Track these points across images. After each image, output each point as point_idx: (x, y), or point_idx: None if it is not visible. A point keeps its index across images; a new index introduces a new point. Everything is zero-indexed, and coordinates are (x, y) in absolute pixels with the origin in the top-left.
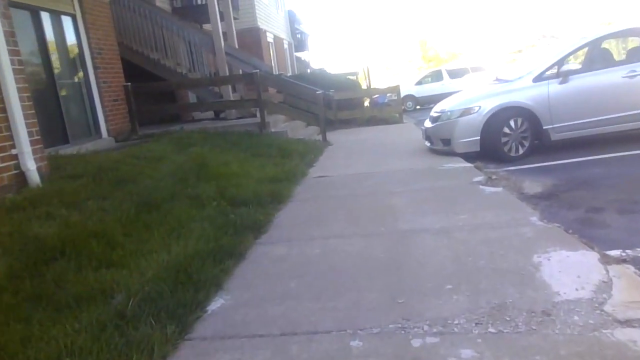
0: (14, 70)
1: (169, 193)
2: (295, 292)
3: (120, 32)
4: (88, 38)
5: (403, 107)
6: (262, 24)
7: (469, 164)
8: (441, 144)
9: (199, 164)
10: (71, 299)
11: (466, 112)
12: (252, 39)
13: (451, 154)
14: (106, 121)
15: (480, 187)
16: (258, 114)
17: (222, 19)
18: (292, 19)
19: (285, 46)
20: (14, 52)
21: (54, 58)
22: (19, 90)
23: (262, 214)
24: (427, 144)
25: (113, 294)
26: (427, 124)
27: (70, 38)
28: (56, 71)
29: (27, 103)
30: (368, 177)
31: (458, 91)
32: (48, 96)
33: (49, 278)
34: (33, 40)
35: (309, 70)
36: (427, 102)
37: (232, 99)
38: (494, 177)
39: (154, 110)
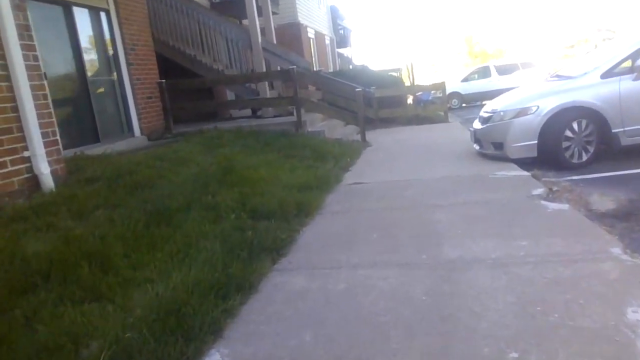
0: (28, 66)
1: (186, 201)
2: (310, 350)
3: (155, 27)
4: (122, 33)
5: (448, 105)
6: (302, 19)
7: (524, 172)
8: (492, 147)
9: (225, 167)
10: (33, 349)
11: (522, 112)
12: (292, 34)
13: (503, 159)
14: (139, 119)
15: (542, 202)
16: (295, 112)
17: (260, 14)
18: (334, 14)
19: (327, 42)
20: (28, 47)
21: (86, 54)
22: (33, 87)
23: (284, 231)
24: (476, 147)
25: (87, 341)
26: (477, 125)
27: (103, 33)
28: (88, 68)
29: (42, 102)
30: (409, 186)
31: (507, 89)
32: (78, 94)
33: (19, 314)
34: (64, 35)
35: (350, 67)
36: (473, 100)
37: (268, 96)
38: (555, 188)
39: (189, 108)
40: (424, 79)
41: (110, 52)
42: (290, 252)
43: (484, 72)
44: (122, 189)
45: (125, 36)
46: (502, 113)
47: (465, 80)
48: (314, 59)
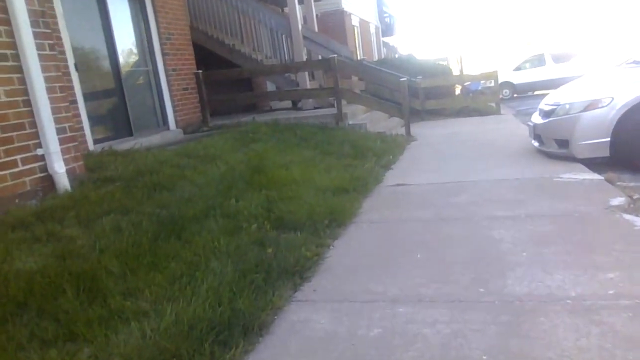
0: (42, 56)
1: (205, 207)
2: None
3: (193, 15)
4: (157, 22)
5: (500, 96)
6: (346, 6)
7: (596, 175)
8: (555, 145)
9: (254, 166)
10: None
11: (592, 105)
12: (336, 22)
13: (569, 159)
14: (174, 112)
15: (624, 216)
16: (335, 104)
17: (301, 1)
18: (379, 1)
19: (372, 30)
20: (44, 36)
21: (119, 44)
22: (48, 79)
23: (311, 246)
24: (535, 144)
25: None
26: (536, 119)
27: (137, 22)
28: (121, 58)
29: (59, 95)
30: (459, 190)
31: (565, 78)
32: (111, 86)
33: None
34: (97, 25)
35: (396, 56)
36: (526, 90)
37: (308, 87)
38: (636, 196)
39: (226, 100)
40: (473, 68)
41: (145, 41)
42: (316, 275)
43: (538, 60)
44: (140, 191)
45: (160, 25)
46: (567, 106)
47: (517, 69)
48: (357, 48)
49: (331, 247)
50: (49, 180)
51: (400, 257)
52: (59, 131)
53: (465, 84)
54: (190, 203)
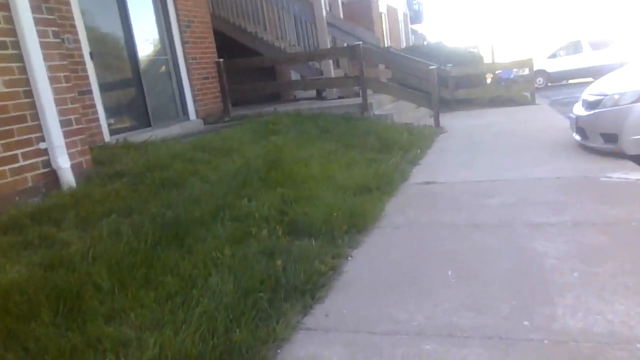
0: (44, 44)
1: (214, 208)
2: None
3: (215, 3)
4: (176, 10)
5: (535, 85)
6: None
7: None
8: (601, 140)
9: (272, 160)
10: None
11: None
12: (362, 9)
13: (617, 155)
14: (194, 102)
15: None
16: (360, 94)
17: None
18: None
19: (400, 17)
20: (47, 22)
21: (137, 32)
22: (52, 68)
23: (327, 258)
24: (577, 137)
25: None
26: (579, 110)
27: (156, 10)
28: (138, 47)
29: (64, 85)
30: (494, 190)
31: (604, 66)
32: (128, 75)
33: None
34: (114, 12)
35: (425, 43)
36: (562, 78)
37: (333, 76)
38: None
39: (248, 89)
40: (504, 56)
41: (164, 29)
42: (330, 295)
43: (574, 47)
44: (147, 188)
45: (180, 12)
46: (617, 96)
47: (552, 56)
48: (385, 35)
49: (349, 257)
50: (52, 176)
51: (428, 273)
52: (64, 123)
53: (497, 72)
54: (198, 203)
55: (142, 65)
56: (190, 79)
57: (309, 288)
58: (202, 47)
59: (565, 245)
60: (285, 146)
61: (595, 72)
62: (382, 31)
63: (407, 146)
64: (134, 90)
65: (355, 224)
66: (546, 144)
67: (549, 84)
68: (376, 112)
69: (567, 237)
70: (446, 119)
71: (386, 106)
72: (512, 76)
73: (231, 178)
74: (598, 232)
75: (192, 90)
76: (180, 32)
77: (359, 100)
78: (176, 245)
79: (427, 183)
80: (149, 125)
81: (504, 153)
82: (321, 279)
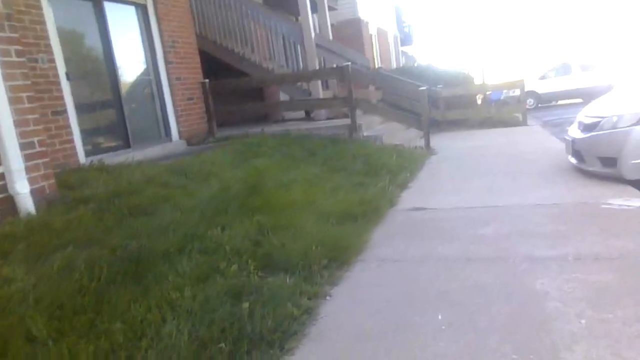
0: (5, 63)
1: (182, 239)
2: None
3: (201, 23)
4: (160, 30)
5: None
6: (363, 15)
7: None
8: (599, 163)
9: (252, 185)
10: None
11: None
12: (352, 31)
13: (616, 180)
14: (178, 122)
15: None
16: (349, 115)
17: (315, 10)
18: (398, 10)
19: (390, 39)
20: (8, 40)
21: (117, 52)
22: (13, 89)
23: (302, 299)
24: (573, 161)
25: None
26: (575, 132)
27: (139, 30)
28: (119, 67)
29: (27, 105)
30: (489, 217)
31: (593, 87)
32: (106, 96)
33: None
34: (93, 32)
35: (415, 64)
36: (551, 100)
37: (321, 97)
38: None
39: (234, 110)
40: (494, 78)
41: (147, 49)
42: (302, 345)
43: (563, 69)
44: (113, 216)
45: (164, 33)
46: (615, 118)
47: (542, 77)
48: (375, 57)
49: (328, 297)
50: (9, 202)
51: (416, 318)
52: (25, 146)
53: (487, 93)
54: (166, 232)
55: (122, 86)
56: (174, 100)
57: (278, 337)
58: (187, 67)
59: (568, 285)
60: (268, 169)
61: (584, 94)
62: (373, 53)
63: (396, 169)
64: (113, 110)
65: (336, 257)
66: (541, 167)
67: (540, 105)
68: (365, 134)
69: (570, 274)
70: (437, 140)
71: (376, 127)
72: (502, 97)
73: (206, 204)
74: (604, 268)
75: (176, 111)
76: (164, 52)
77: (347, 121)
78: (133, 283)
79: (417, 209)
80: (129, 146)
81: (497, 176)
82: (293, 325)
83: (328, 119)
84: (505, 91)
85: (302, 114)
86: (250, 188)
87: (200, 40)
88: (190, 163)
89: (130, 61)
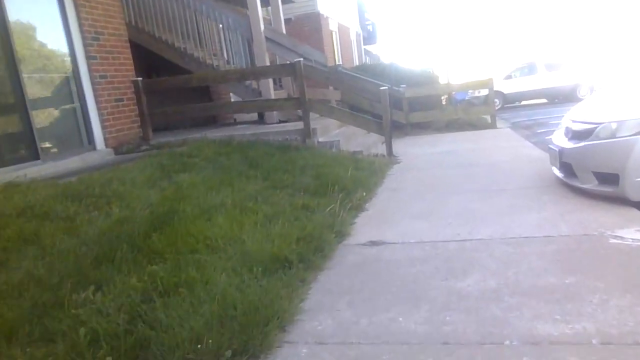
0: None
1: (26, 312)
2: None
3: (137, 14)
4: (78, 19)
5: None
6: (323, 10)
7: None
8: (595, 180)
9: (162, 214)
10: None
11: None
12: (311, 26)
13: (617, 200)
14: (103, 128)
15: None
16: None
17: (267, 3)
18: (361, 7)
19: (352, 37)
20: None
21: (20, 45)
22: None
23: None
24: (560, 174)
25: None
26: (561, 141)
27: (51, 17)
28: (22, 64)
29: None
30: (466, 259)
31: (558, 87)
32: (5, 97)
33: None
34: None
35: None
36: (516, 100)
37: (272, 97)
38: None
39: (170, 113)
40: (459, 78)
41: (63, 42)
42: None
43: (529, 69)
44: None
45: (83, 22)
46: (614, 125)
47: (507, 77)
48: (336, 54)
49: None
50: None
51: None
52: None
53: (452, 93)
54: (7, 299)
55: (27, 86)
56: (97, 101)
57: None
58: (114, 63)
59: None
60: (192, 189)
61: (550, 94)
62: (333, 50)
63: (352, 185)
64: (15, 115)
65: (249, 340)
66: (521, 181)
67: (505, 106)
68: (321, 139)
69: None
70: (400, 146)
71: (332, 132)
72: (467, 97)
73: (89, 247)
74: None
75: (101, 115)
76: (85, 45)
77: (301, 125)
78: None
79: (373, 244)
80: (37, 158)
81: (472, 194)
82: None
83: (280, 122)
84: (470, 91)
85: (255, 116)
86: (159, 218)
87: (135, 32)
88: (95, 181)
89: (38, 56)
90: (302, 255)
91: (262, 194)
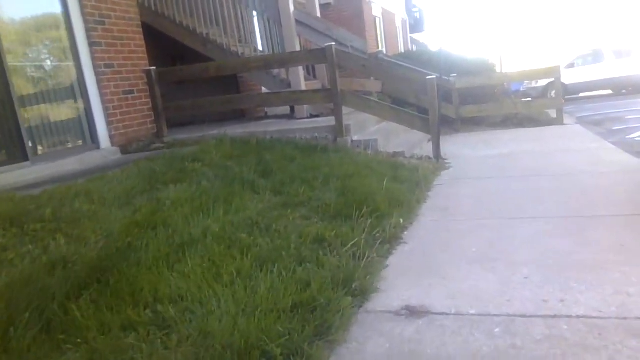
0: None
1: None
2: None
3: None
4: (80, 1)
5: (562, 100)
6: None
7: None
8: None
9: (113, 254)
10: None
11: None
12: (352, 11)
13: None
14: (108, 124)
15: None
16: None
17: None
18: None
19: (398, 24)
20: None
21: (4, 30)
22: None
23: None
24: None
25: None
26: None
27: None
28: (8, 51)
29: None
30: (566, 354)
31: (631, 76)
32: None
33: None
34: None
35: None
36: (578, 91)
37: (303, 88)
38: None
39: (187, 107)
40: (513, 67)
41: (61, 26)
42: None
43: (594, 56)
44: None
45: (85, 4)
46: None
47: (569, 66)
48: (380, 42)
49: None
50: None
51: None
52: None
53: (505, 84)
54: None
55: (13, 76)
56: (102, 94)
57: None
58: (123, 51)
59: None
60: (174, 209)
61: (618, 84)
62: (377, 37)
63: (387, 204)
64: None
65: None
66: (621, 203)
67: (566, 97)
68: (355, 138)
69: None
70: (450, 145)
71: (370, 128)
72: (522, 88)
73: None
74: None
75: (106, 109)
76: (87, 30)
77: (333, 121)
78: None
79: (410, 313)
80: (25, 159)
81: (550, 221)
82: None
83: (312, 116)
84: (526, 82)
85: (287, 109)
86: (107, 261)
87: (152, 16)
88: (59, 196)
89: (28, 43)
90: (292, 345)
91: (267, 216)
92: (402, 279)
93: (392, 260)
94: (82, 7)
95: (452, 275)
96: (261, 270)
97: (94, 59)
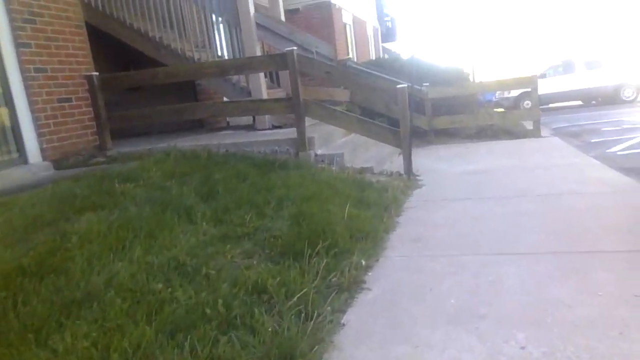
0: None
1: None
2: None
3: None
4: None
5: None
6: None
7: None
8: None
9: None
10: None
11: None
12: (322, 17)
13: None
14: (39, 136)
15: None
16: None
17: None
18: (379, 1)
19: (370, 32)
20: None
21: None
22: None
23: None
24: None
25: None
26: None
27: None
28: None
29: None
30: None
31: (599, 87)
32: None
33: None
34: None
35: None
36: (549, 102)
37: (264, 97)
38: None
39: (133, 117)
40: (485, 77)
41: None
42: None
43: (565, 67)
44: None
45: (11, 1)
46: None
47: (542, 76)
48: (350, 49)
49: None
50: None
51: None
52: None
53: (478, 94)
54: None
55: None
56: (31, 102)
57: None
58: (58, 54)
59: None
60: (80, 248)
61: (589, 95)
62: (347, 44)
63: (347, 237)
64: None
65: None
66: (622, 232)
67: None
68: (319, 151)
69: None
70: (422, 159)
71: (337, 141)
72: (494, 99)
73: None
74: None
75: (36, 119)
76: (13, 28)
77: (295, 133)
78: None
79: None
80: None
81: (542, 257)
82: None
83: (274, 127)
84: (498, 92)
85: (250, 120)
86: None
87: (100, 17)
88: None
89: None
90: None
91: (198, 254)
92: (361, 349)
93: (351, 315)
94: (8, 2)
95: (426, 341)
96: (169, 342)
97: (21, 61)
